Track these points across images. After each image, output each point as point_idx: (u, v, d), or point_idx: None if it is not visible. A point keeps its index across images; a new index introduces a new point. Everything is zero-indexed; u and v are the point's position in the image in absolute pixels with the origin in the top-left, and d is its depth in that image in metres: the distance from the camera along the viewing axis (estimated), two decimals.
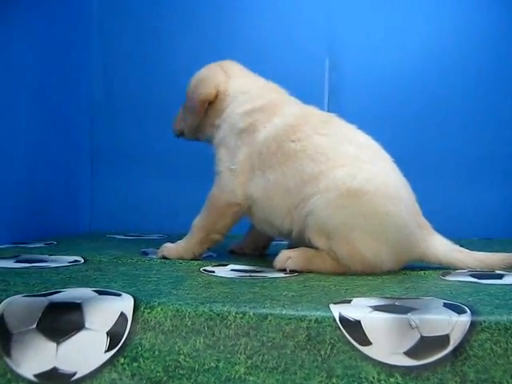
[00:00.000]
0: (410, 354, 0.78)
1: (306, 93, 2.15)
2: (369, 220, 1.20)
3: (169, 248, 1.38)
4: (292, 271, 1.20)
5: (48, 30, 1.88)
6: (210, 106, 1.47)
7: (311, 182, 1.25)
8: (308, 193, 1.25)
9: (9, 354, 0.81)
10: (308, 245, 1.25)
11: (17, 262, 1.27)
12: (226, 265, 1.30)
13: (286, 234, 1.33)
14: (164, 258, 1.37)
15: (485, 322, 0.79)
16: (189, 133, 1.55)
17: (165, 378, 0.80)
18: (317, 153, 1.27)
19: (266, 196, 1.31)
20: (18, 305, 0.85)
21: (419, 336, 0.79)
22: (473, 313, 0.81)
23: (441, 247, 1.27)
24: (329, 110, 2.16)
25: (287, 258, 1.22)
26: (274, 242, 1.58)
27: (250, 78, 1.54)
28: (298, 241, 1.29)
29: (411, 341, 0.78)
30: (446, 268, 1.26)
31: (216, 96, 1.46)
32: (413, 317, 0.80)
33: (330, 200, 1.21)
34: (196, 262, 1.33)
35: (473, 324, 0.79)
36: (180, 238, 1.42)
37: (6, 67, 1.63)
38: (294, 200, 1.27)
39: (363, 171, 1.23)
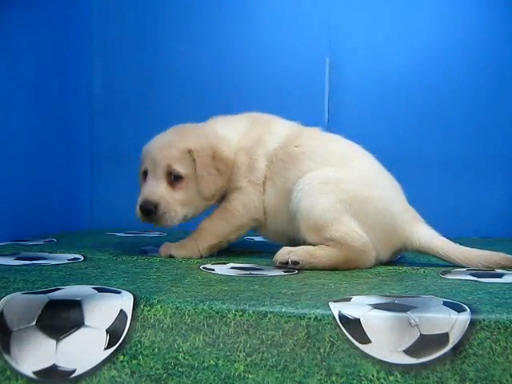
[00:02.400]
0: (409, 352, 0.78)
1: (306, 92, 2.17)
2: (351, 205, 1.26)
3: (177, 248, 1.38)
4: (293, 263, 1.21)
5: (48, 30, 1.88)
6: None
7: (303, 177, 1.33)
8: (296, 187, 1.32)
9: (8, 351, 0.81)
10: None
11: (17, 259, 1.27)
12: (225, 263, 1.30)
13: (292, 238, 1.36)
14: (171, 257, 1.36)
15: (484, 320, 0.79)
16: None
17: (164, 376, 0.80)
18: (312, 152, 1.38)
19: (276, 206, 1.39)
20: (18, 302, 0.85)
21: (419, 334, 0.79)
22: (472, 311, 0.81)
23: (424, 233, 1.32)
24: (329, 109, 2.16)
25: (289, 252, 1.23)
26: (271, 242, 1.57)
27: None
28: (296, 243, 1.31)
29: (411, 339, 0.79)
30: (445, 266, 1.27)
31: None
32: (412, 315, 0.80)
33: (311, 188, 1.29)
34: (196, 260, 1.33)
35: (472, 322, 0.79)
36: (180, 235, 1.42)
37: (5, 67, 1.63)
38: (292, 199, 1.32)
39: (346, 167, 1.33)
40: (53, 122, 1.94)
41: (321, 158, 1.36)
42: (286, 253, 1.23)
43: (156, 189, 1.36)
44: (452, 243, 1.31)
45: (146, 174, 1.41)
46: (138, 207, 1.37)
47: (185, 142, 1.39)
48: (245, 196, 1.39)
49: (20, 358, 0.81)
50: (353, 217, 1.25)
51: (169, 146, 1.39)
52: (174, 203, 1.35)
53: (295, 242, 1.34)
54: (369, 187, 1.29)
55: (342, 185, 1.27)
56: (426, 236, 1.31)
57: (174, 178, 1.37)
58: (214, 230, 1.39)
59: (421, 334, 0.79)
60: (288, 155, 1.39)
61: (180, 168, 1.36)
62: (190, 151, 1.37)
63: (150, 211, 1.34)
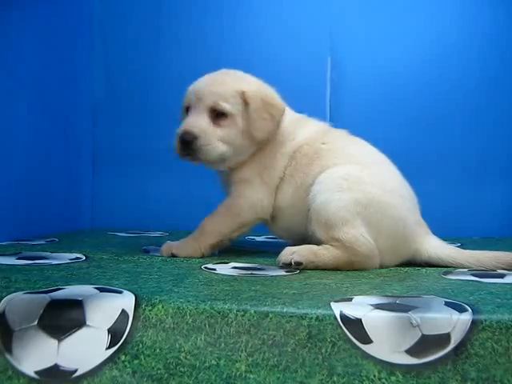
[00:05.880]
0: (411, 352, 0.78)
1: (308, 91, 2.17)
2: (366, 208, 1.24)
3: (178, 247, 1.37)
4: (297, 264, 1.20)
5: (49, 30, 1.88)
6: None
7: (324, 170, 1.32)
8: (316, 181, 1.31)
9: (10, 351, 0.82)
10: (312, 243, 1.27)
11: (18, 258, 1.27)
12: (227, 262, 1.30)
13: (300, 236, 1.36)
14: (173, 256, 1.36)
15: (486, 320, 0.79)
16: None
17: (166, 376, 0.80)
18: (338, 150, 1.36)
19: (291, 203, 1.37)
20: (20, 302, 0.85)
21: (420, 334, 0.79)
22: (474, 311, 0.81)
23: (434, 244, 1.32)
24: (331, 108, 2.16)
25: (292, 252, 1.23)
26: (271, 242, 1.58)
27: None
28: (306, 241, 1.31)
29: (412, 339, 0.78)
30: (446, 266, 1.26)
31: None
32: (414, 315, 0.80)
33: (330, 181, 1.27)
34: (197, 260, 1.33)
35: (474, 323, 0.79)
36: (181, 235, 1.42)
37: (6, 67, 1.63)
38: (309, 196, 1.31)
39: (369, 169, 1.31)
40: (54, 122, 1.94)
41: (346, 156, 1.35)
42: (289, 253, 1.22)
43: (197, 122, 1.34)
44: (461, 249, 1.31)
45: (188, 110, 1.40)
46: (176, 139, 1.35)
47: (238, 84, 1.38)
48: (254, 194, 1.38)
49: (22, 358, 0.81)
50: (365, 220, 1.24)
51: (220, 83, 1.38)
52: (214, 138, 1.34)
53: (302, 239, 1.33)
54: (388, 193, 1.27)
55: (362, 185, 1.26)
56: (435, 247, 1.30)
57: (217, 116, 1.35)
58: (216, 229, 1.38)
59: (422, 335, 0.79)
60: (313, 151, 1.37)
61: (226, 105, 1.35)
62: (242, 93, 1.36)
63: (189, 142, 1.32)
